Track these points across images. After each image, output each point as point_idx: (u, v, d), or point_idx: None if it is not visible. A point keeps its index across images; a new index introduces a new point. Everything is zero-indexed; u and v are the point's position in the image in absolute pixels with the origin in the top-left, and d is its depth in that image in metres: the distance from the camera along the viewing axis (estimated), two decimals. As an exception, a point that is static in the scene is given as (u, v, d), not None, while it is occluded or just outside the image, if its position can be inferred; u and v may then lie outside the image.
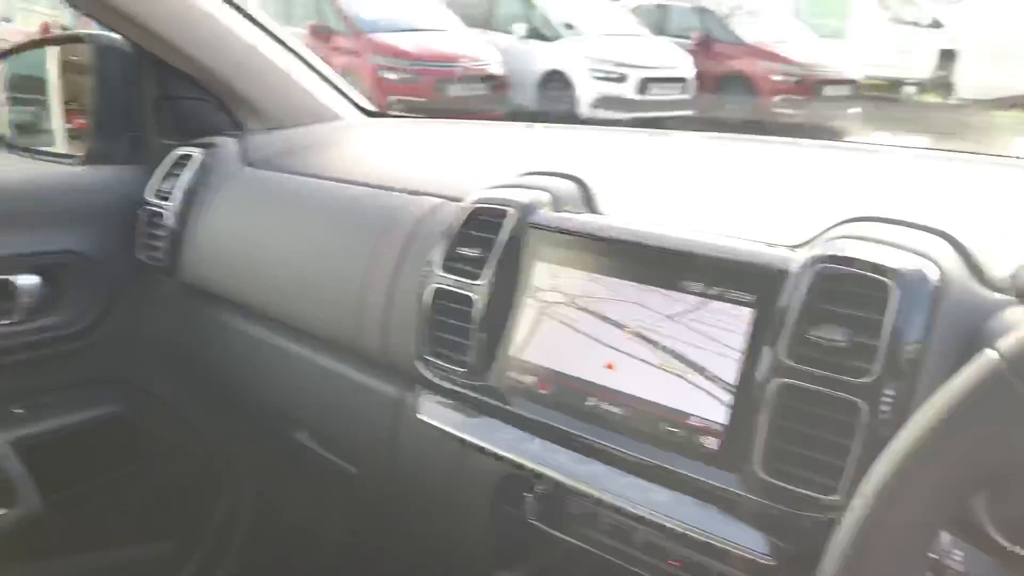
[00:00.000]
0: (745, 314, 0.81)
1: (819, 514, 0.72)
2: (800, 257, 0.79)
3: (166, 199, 1.51)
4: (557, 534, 0.98)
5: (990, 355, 0.49)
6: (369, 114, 1.75)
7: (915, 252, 0.75)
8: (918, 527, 0.49)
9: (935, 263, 0.74)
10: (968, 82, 10.90)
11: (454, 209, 1.09)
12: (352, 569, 1.55)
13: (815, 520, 0.73)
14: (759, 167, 1.19)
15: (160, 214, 1.51)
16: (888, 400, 0.70)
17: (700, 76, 10.30)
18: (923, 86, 11.77)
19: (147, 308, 1.61)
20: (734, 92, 10.61)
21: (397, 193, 1.21)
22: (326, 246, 1.24)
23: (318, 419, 1.33)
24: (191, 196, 1.49)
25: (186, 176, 1.51)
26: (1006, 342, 0.48)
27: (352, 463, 1.29)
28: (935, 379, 0.71)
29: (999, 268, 0.76)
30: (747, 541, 0.76)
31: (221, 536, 1.72)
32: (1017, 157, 1.13)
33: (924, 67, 11.89)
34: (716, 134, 1.41)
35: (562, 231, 0.95)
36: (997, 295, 0.74)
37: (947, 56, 11.62)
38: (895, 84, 11.89)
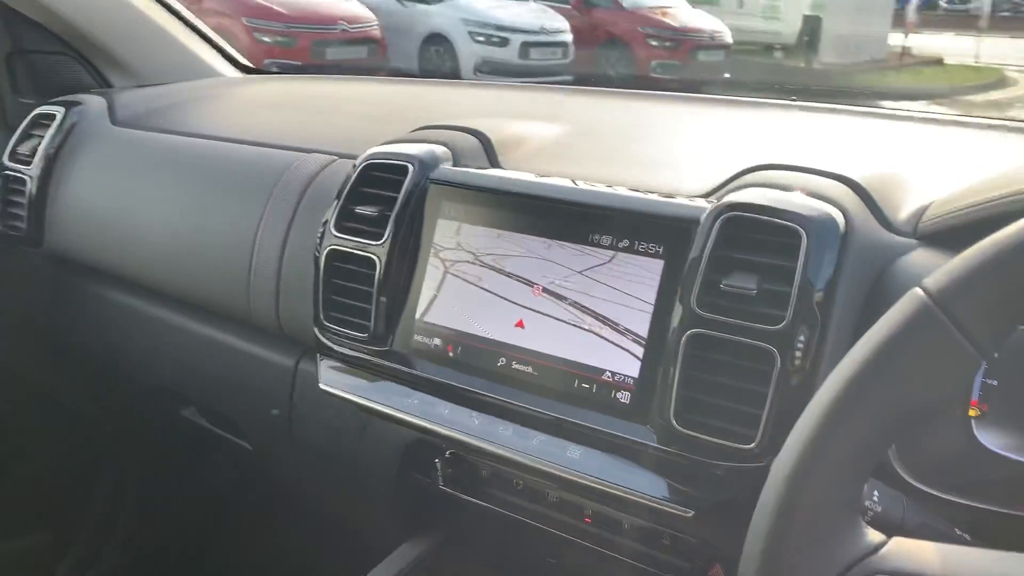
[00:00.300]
0: (655, 266, 0.79)
1: (737, 463, 0.72)
2: (707, 207, 0.78)
3: (26, 163, 1.38)
4: (469, 498, 0.96)
5: (917, 293, 0.49)
6: (247, 71, 1.65)
7: (820, 198, 0.75)
8: (850, 473, 0.49)
9: (840, 208, 0.75)
10: (829, 45, 11.40)
11: (347, 166, 1.04)
12: (252, 549, 1.48)
13: (732, 469, 0.73)
14: (654, 123, 1.19)
15: (20, 180, 1.38)
16: (801, 346, 0.70)
17: (579, 40, 10.35)
18: (789, 50, 12.22)
19: (8, 283, 1.48)
20: (612, 56, 10.73)
21: (285, 151, 1.14)
22: (210, 209, 1.16)
23: (207, 395, 1.26)
24: (54, 159, 1.37)
25: (48, 137, 1.38)
26: (932, 279, 0.48)
27: (247, 439, 1.23)
28: (844, 323, 0.73)
29: (899, 212, 0.78)
30: (664, 493, 0.76)
31: (103, 524, 1.62)
32: (904, 111, 1.17)
33: (791, 32, 12.33)
34: (610, 89, 1.40)
35: (465, 186, 0.91)
36: (899, 238, 0.75)
37: (812, 21, 12.09)
38: (765, 48, 12.31)
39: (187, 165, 1.22)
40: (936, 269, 0.70)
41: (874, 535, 0.50)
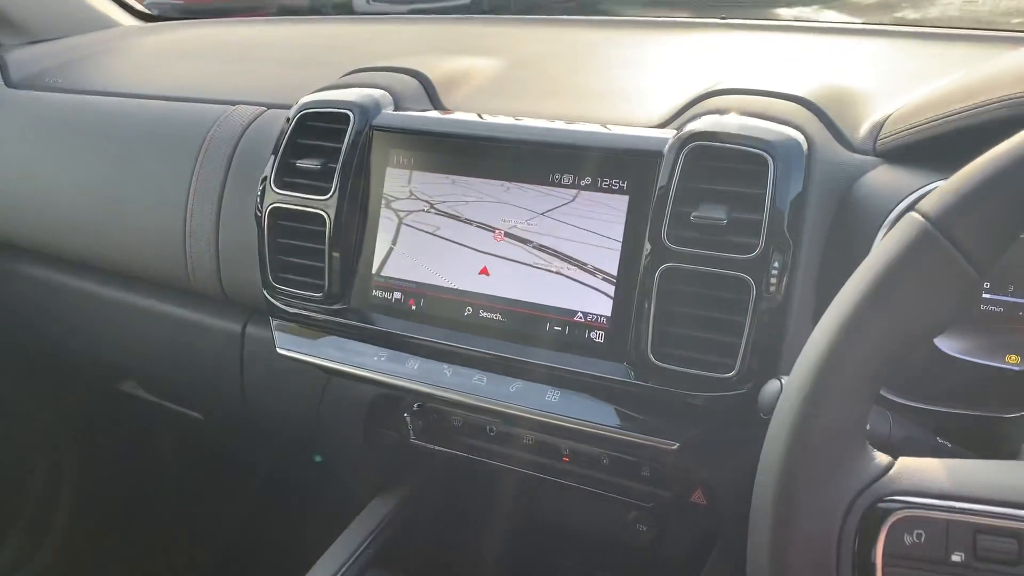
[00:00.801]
0: (620, 202, 0.78)
1: (717, 392, 0.73)
2: (669, 137, 0.76)
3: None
4: (442, 449, 0.94)
5: (915, 218, 0.49)
6: (146, 18, 1.54)
7: (781, 121, 0.75)
8: (857, 398, 0.50)
9: (801, 131, 0.75)
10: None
11: (279, 117, 0.98)
12: (208, 522, 1.44)
13: (713, 399, 0.73)
14: (591, 52, 1.16)
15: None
16: (775, 272, 0.71)
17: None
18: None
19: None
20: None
21: (208, 104, 1.07)
22: (133, 173, 1.08)
23: (149, 366, 1.20)
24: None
25: (-68, 106, 1.26)
26: (929, 203, 0.49)
27: (196, 409, 1.18)
28: (814, 246, 0.73)
29: (856, 130, 0.78)
30: (647, 429, 0.77)
31: (40, 512, 1.54)
32: (826, 24, 1.17)
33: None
34: (535, 17, 1.36)
35: (413, 132, 0.87)
36: (859, 156, 0.76)
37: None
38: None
39: (100, 126, 1.14)
40: (898, 187, 0.72)
41: (881, 458, 0.51)
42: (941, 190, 0.49)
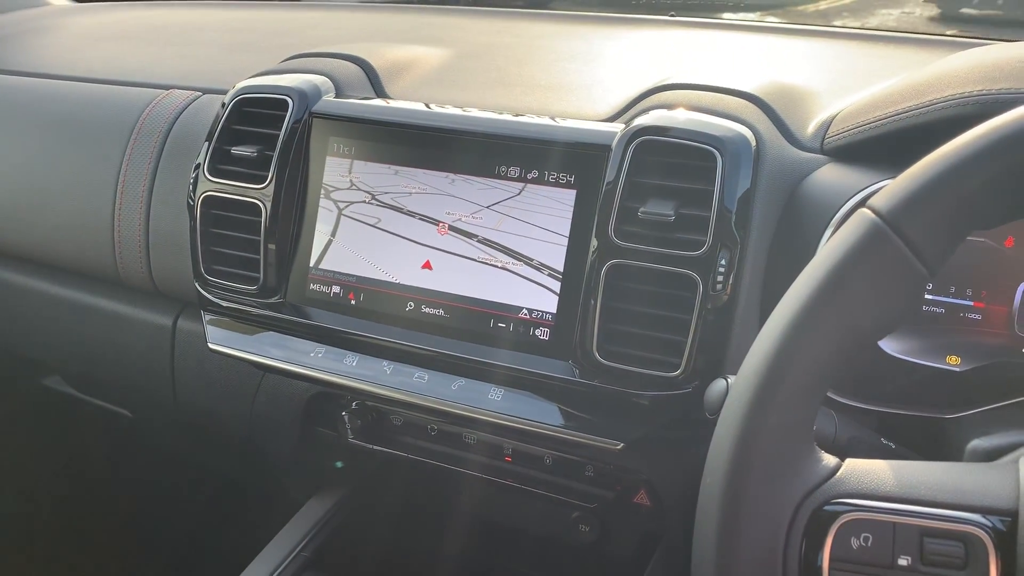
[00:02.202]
0: (567, 196, 0.76)
1: (662, 391, 0.72)
2: (618, 130, 0.75)
3: None
4: (381, 449, 0.91)
5: (866, 215, 0.48)
6: (76, -2, 1.47)
7: (730, 117, 0.74)
8: (807, 398, 0.49)
9: (750, 127, 0.74)
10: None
11: (214, 102, 0.94)
12: (135, 525, 1.38)
13: (658, 398, 0.72)
14: (538, 45, 1.14)
15: None
16: (722, 269, 0.70)
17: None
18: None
19: None
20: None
21: (140, 88, 1.02)
22: (58, 158, 1.03)
23: (75, 361, 1.14)
24: None
25: None
26: (880, 199, 0.48)
27: (125, 406, 1.13)
28: (761, 244, 0.72)
29: (803, 127, 0.77)
30: (592, 428, 0.75)
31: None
32: (801, 26, 1.17)
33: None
34: (484, 9, 1.33)
35: (354, 119, 0.84)
36: (806, 154, 0.75)
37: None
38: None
39: (25, 108, 1.08)
40: (844, 185, 0.71)
41: (829, 459, 0.50)
42: (892, 186, 0.48)
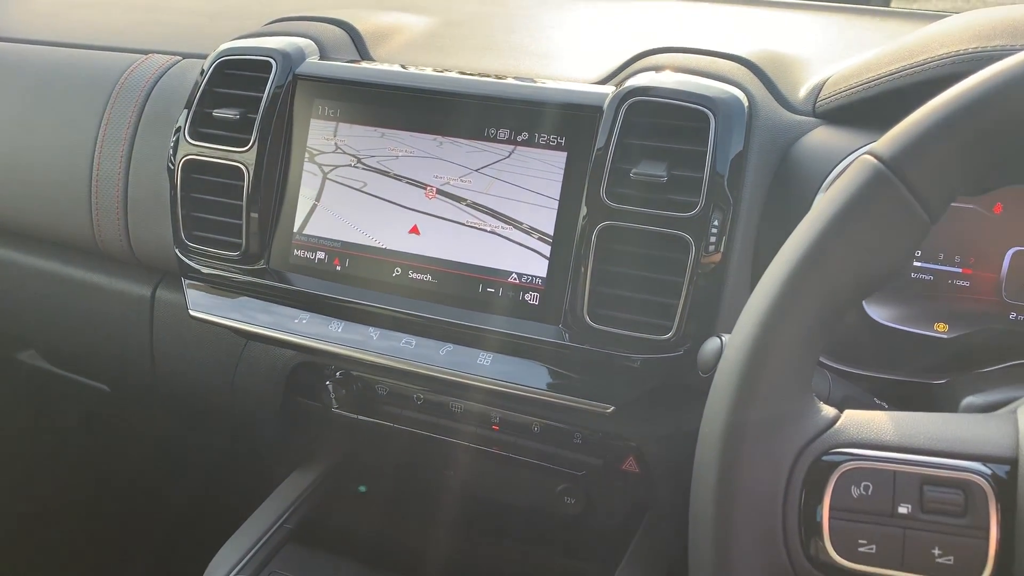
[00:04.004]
0: (558, 159, 0.75)
1: (653, 354, 0.71)
2: (609, 92, 0.74)
3: None
4: (366, 419, 0.90)
5: (868, 160, 0.47)
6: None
7: (722, 80, 0.73)
8: (807, 348, 0.48)
9: (743, 89, 0.73)
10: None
11: (195, 66, 0.92)
12: (114, 499, 1.36)
13: (649, 361, 0.71)
14: (524, 13, 1.12)
15: None
16: (715, 230, 0.69)
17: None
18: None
19: None
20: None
21: (117, 53, 1.00)
22: (33, 124, 1.00)
23: (50, 334, 1.12)
24: None
25: None
26: (882, 145, 0.47)
27: (102, 380, 1.11)
28: (753, 206, 0.72)
29: (795, 91, 0.77)
30: (583, 392, 0.74)
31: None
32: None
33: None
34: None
35: (340, 81, 0.82)
36: (799, 116, 0.75)
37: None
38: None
39: (1, 73, 1.05)
40: (837, 146, 0.71)
41: (828, 410, 0.50)
42: (894, 132, 0.47)
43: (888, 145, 0.47)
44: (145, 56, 0.98)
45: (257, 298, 0.85)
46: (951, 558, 0.45)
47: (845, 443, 0.48)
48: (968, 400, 0.61)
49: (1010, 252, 0.72)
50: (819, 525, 0.47)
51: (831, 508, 0.47)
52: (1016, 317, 0.71)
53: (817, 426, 0.48)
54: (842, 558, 0.46)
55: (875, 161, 0.47)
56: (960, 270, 0.73)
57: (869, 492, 0.46)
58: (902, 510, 0.46)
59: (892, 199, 0.46)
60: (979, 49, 0.63)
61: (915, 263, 0.74)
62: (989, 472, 0.45)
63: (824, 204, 0.48)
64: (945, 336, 0.71)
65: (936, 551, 0.45)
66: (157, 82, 0.95)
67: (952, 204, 0.70)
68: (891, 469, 0.46)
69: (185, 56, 0.97)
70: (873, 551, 0.46)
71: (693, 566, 0.50)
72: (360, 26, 0.91)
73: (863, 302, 0.73)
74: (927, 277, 0.73)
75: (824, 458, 0.48)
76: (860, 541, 0.46)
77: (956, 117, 0.46)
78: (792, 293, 0.47)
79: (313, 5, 1.11)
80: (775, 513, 0.47)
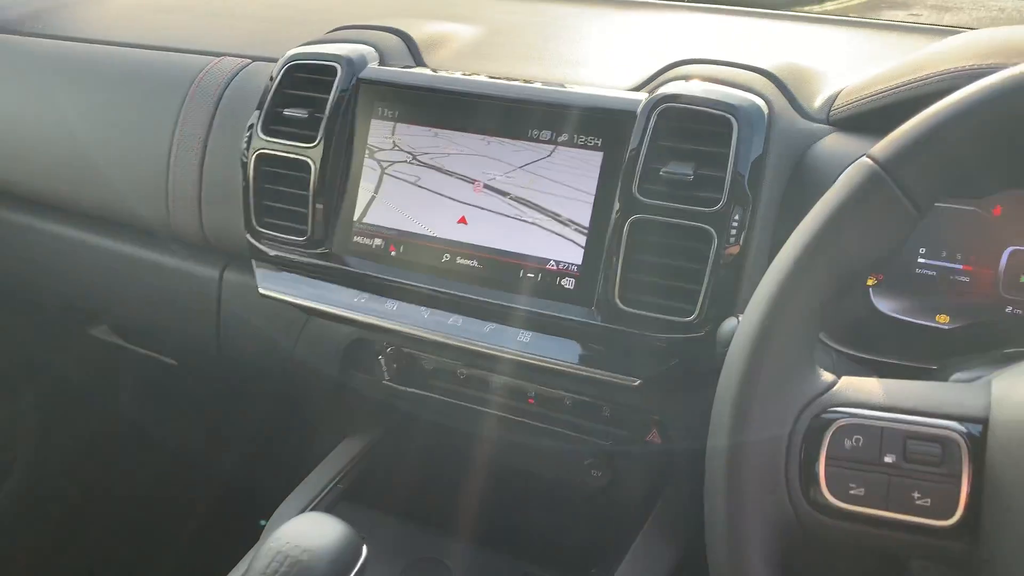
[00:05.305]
0: (595, 158, 0.84)
1: (677, 335, 0.79)
2: (643, 98, 0.82)
3: None
4: (414, 391, 0.99)
5: (865, 162, 0.55)
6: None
7: (745, 89, 0.81)
8: (808, 323, 0.56)
9: (763, 98, 0.81)
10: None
11: (265, 69, 1.01)
12: (176, 466, 1.46)
13: (673, 341, 0.79)
14: (565, 24, 1.21)
15: None
16: (735, 224, 0.77)
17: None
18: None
19: None
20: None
21: (194, 55, 1.10)
22: (117, 119, 1.10)
23: (124, 312, 1.22)
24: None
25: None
26: (878, 148, 0.55)
27: (170, 355, 1.21)
28: (771, 203, 0.80)
29: (812, 100, 0.85)
30: (612, 367, 0.82)
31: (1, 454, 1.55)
32: (814, 13, 1.24)
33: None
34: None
35: (400, 86, 0.91)
36: (814, 124, 0.83)
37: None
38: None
39: (83, 72, 1.15)
40: (849, 152, 0.79)
41: (827, 375, 0.58)
42: (889, 138, 0.56)
43: (882, 149, 0.55)
44: (217, 59, 1.08)
45: (320, 279, 0.94)
46: (928, 500, 0.53)
47: (841, 403, 0.56)
48: (955, 376, 0.68)
49: (1007, 251, 0.78)
50: (816, 472, 0.55)
51: (827, 457, 0.55)
52: (1012, 311, 0.78)
53: (817, 389, 0.56)
54: (835, 499, 0.54)
55: (871, 163, 0.55)
56: (961, 267, 0.79)
57: (860, 444, 0.54)
58: (888, 459, 0.54)
59: (884, 195, 0.54)
60: (975, 67, 0.71)
61: (919, 259, 0.81)
62: (964, 430, 0.53)
63: (827, 199, 0.56)
64: (946, 327, 0.78)
65: (916, 494, 0.53)
66: (229, 83, 1.05)
67: (955, 207, 0.78)
68: (879, 425, 0.54)
69: (254, 59, 1.07)
70: (862, 493, 0.54)
71: (708, 511, 0.58)
72: (415, 34, 1.00)
73: (871, 295, 0.80)
74: (930, 273, 0.80)
75: (822, 416, 0.56)
76: (851, 485, 0.54)
77: (940, 126, 0.54)
78: (798, 275, 0.55)
79: (368, 14, 1.21)
80: (779, 462, 0.55)
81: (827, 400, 0.56)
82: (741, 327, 0.57)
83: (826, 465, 0.55)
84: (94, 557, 1.54)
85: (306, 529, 0.63)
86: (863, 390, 0.56)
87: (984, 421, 0.53)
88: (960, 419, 0.54)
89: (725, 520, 0.56)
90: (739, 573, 0.56)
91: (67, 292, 1.26)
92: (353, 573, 0.62)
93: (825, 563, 0.64)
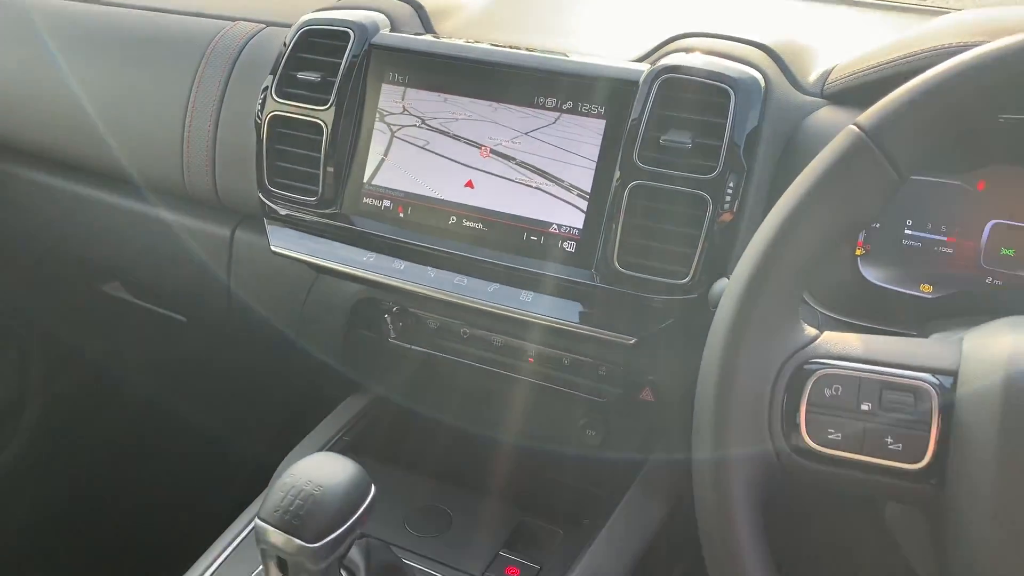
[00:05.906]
0: (598, 125, 0.87)
1: (672, 296, 0.83)
2: (645, 69, 0.85)
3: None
4: (419, 349, 1.03)
5: (852, 129, 0.59)
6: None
7: (743, 62, 0.85)
8: (794, 281, 0.60)
9: (760, 71, 0.84)
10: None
11: (279, 34, 1.04)
12: (182, 420, 1.50)
13: (668, 302, 0.83)
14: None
15: None
16: (730, 191, 0.81)
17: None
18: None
19: None
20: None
21: (209, 19, 1.13)
22: (134, 80, 1.13)
23: (136, 269, 1.26)
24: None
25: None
26: (864, 117, 0.59)
27: (180, 311, 1.24)
28: (764, 173, 0.83)
29: (807, 75, 0.88)
30: (610, 326, 0.86)
31: (7, 411, 1.59)
32: None
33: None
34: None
35: (412, 52, 0.94)
36: (808, 97, 0.86)
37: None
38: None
39: (101, 33, 1.18)
40: (841, 123, 0.82)
41: (810, 330, 0.62)
42: (874, 108, 0.59)
43: (867, 118, 0.59)
44: (232, 23, 1.11)
45: (330, 238, 0.97)
46: (900, 445, 0.57)
47: (822, 355, 0.60)
48: (933, 337, 0.72)
49: (989, 224, 0.81)
50: (797, 418, 0.59)
51: (808, 404, 0.59)
52: (991, 281, 0.82)
53: (800, 342, 0.60)
54: (814, 443, 0.58)
55: (857, 130, 0.59)
56: (945, 239, 0.83)
57: (839, 393, 0.58)
58: (864, 407, 0.58)
59: (868, 160, 0.58)
60: (961, 44, 0.74)
61: (906, 231, 0.84)
62: (936, 381, 0.57)
63: (814, 164, 0.60)
64: (929, 296, 0.82)
65: (888, 439, 0.57)
66: (244, 46, 1.08)
67: (941, 181, 0.81)
68: (857, 376, 0.58)
69: (268, 24, 1.09)
70: (839, 438, 0.58)
71: (696, 454, 0.62)
72: (426, 3, 1.03)
73: (859, 264, 0.84)
74: (916, 244, 0.84)
75: (805, 366, 0.60)
76: (829, 430, 0.58)
77: (921, 97, 0.58)
78: (785, 235, 0.59)
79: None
80: (763, 409, 0.60)
81: (809, 352, 0.60)
82: (730, 283, 0.61)
83: (807, 412, 0.59)
84: (102, 511, 1.58)
85: (320, 465, 0.67)
86: (843, 343, 0.60)
87: (955, 374, 0.57)
88: (933, 371, 0.58)
89: (711, 463, 0.60)
90: (724, 515, 0.60)
91: (81, 249, 1.29)
92: (362, 509, 0.66)
93: (805, 508, 0.69)
